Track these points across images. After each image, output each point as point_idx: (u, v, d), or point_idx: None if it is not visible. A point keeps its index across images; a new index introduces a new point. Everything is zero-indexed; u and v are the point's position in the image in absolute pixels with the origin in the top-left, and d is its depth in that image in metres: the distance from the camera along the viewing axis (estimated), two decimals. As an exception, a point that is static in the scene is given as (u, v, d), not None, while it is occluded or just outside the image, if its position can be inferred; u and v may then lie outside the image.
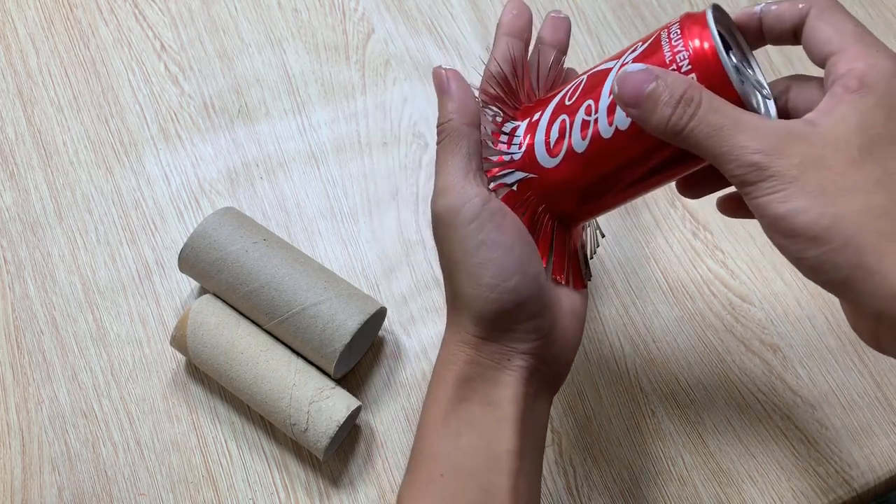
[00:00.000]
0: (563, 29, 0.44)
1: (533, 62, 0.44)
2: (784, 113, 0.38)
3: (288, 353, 0.51)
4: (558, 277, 0.41)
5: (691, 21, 0.36)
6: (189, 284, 0.56)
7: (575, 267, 0.43)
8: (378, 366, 0.55)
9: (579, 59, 0.64)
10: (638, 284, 0.57)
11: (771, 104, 0.37)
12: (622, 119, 0.38)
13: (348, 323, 0.50)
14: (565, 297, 0.41)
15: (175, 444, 0.52)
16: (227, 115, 0.61)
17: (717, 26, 0.36)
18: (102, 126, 0.61)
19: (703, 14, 0.36)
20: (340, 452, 0.52)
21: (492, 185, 0.41)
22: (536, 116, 0.41)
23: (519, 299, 0.38)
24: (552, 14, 0.44)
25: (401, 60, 0.63)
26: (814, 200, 0.32)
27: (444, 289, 0.41)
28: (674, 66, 0.36)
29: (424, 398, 0.41)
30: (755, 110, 0.35)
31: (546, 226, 0.41)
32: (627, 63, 0.38)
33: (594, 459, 0.52)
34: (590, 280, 0.44)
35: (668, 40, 0.37)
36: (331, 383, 0.50)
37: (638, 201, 0.59)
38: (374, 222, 0.58)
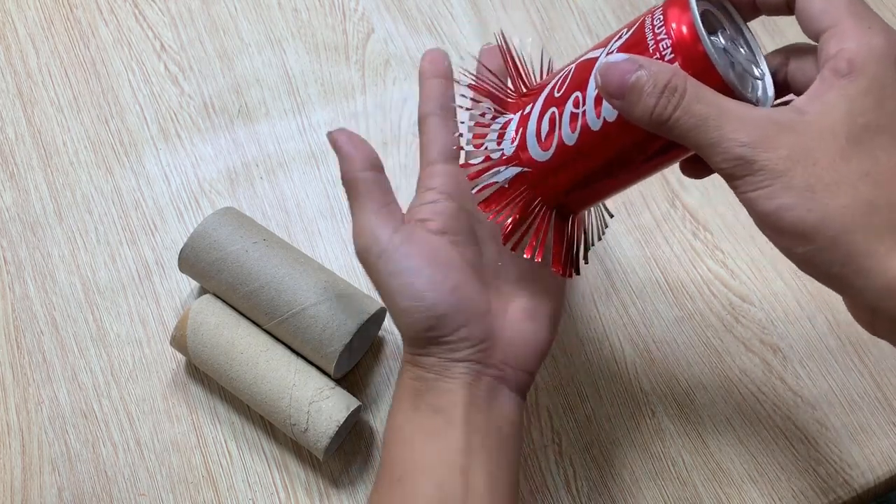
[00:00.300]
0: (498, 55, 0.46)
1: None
2: (783, 87, 0.38)
3: (288, 353, 0.51)
4: (556, 269, 0.41)
5: (674, 4, 0.35)
6: (189, 284, 0.56)
7: (578, 255, 0.43)
8: (378, 366, 0.55)
9: (579, 59, 0.64)
10: (638, 284, 0.57)
11: (766, 83, 0.36)
12: (609, 110, 0.37)
13: (348, 323, 0.50)
14: (516, 302, 0.42)
15: (175, 444, 0.52)
16: (227, 115, 0.61)
17: (702, 4, 0.35)
18: (102, 126, 0.61)
19: None
20: (340, 452, 0.52)
21: (476, 189, 0.41)
22: (528, 109, 0.41)
23: (436, 313, 0.40)
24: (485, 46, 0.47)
25: (401, 60, 0.63)
26: (801, 197, 0.32)
27: None
28: (657, 55, 0.35)
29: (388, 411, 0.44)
30: (743, 96, 0.34)
31: (541, 218, 0.41)
32: (613, 52, 0.37)
33: (594, 459, 0.52)
34: (586, 263, 0.44)
35: (651, 27, 0.36)
36: (331, 383, 0.50)
37: (638, 201, 0.59)
38: (374, 222, 0.58)
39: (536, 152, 0.40)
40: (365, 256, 0.42)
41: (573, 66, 0.40)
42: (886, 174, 0.32)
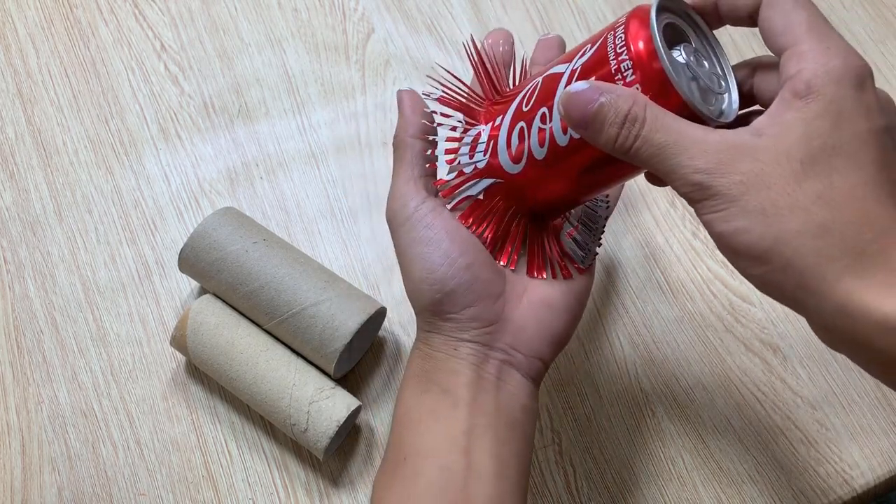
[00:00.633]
0: (556, 46, 0.45)
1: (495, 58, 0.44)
2: (748, 99, 0.38)
3: (288, 353, 0.51)
4: (536, 274, 0.42)
5: (635, 18, 0.35)
6: (189, 284, 0.56)
7: (555, 258, 0.43)
8: (378, 366, 0.55)
9: (579, 59, 0.64)
10: (638, 284, 0.57)
11: (731, 96, 0.36)
12: None
13: (348, 323, 0.50)
14: (531, 289, 0.42)
15: (175, 443, 0.52)
16: (226, 114, 0.61)
17: (665, 16, 0.35)
18: (102, 126, 0.61)
19: (647, 9, 0.35)
20: (340, 452, 0.52)
21: (452, 204, 0.42)
22: (498, 121, 0.42)
23: (446, 289, 0.40)
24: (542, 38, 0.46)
25: (401, 60, 0.63)
26: (754, 221, 0.32)
27: None
28: (619, 74, 0.35)
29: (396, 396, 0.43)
30: (703, 114, 0.35)
31: (515, 227, 0.42)
32: (577, 70, 0.37)
33: (594, 459, 0.52)
34: (590, 264, 0.44)
35: (613, 45, 0.36)
36: (331, 383, 0.50)
37: (638, 201, 0.59)
38: (374, 222, 0.58)
39: (508, 165, 0.41)
40: (392, 220, 0.42)
41: (540, 79, 0.40)
42: (840, 196, 0.32)
